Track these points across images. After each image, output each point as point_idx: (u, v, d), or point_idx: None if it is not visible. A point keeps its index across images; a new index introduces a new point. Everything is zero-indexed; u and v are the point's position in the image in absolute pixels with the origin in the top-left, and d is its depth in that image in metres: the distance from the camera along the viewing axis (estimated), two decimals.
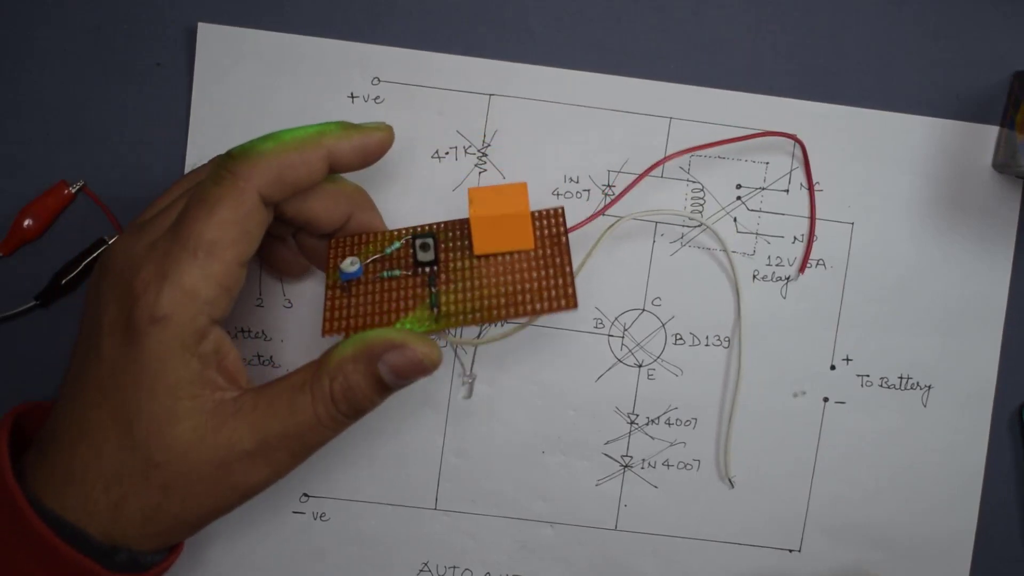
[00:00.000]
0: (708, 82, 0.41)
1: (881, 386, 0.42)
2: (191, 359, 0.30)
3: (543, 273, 0.33)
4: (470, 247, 0.34)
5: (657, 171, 0.41)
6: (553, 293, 0.32)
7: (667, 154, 0.41)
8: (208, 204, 0.30)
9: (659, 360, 0.41)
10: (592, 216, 0.37)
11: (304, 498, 0.41)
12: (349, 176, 0.36)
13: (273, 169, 0.31)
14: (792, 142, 0.41)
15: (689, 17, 0.41)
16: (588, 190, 0.41)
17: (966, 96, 0.41)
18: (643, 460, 0.42)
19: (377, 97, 0.40)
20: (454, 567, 0.42)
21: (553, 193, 0.41)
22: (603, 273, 0.41)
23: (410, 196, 0.41)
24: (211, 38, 0.40)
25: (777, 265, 0.41)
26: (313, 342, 0.41)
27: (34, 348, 0.41)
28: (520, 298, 0.32)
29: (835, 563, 0.42)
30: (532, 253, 0.34)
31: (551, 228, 0.34)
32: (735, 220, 0.41)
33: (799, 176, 0.41)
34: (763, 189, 0.41)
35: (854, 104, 0.41)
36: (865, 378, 0.42)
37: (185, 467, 0.30)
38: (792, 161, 0.41)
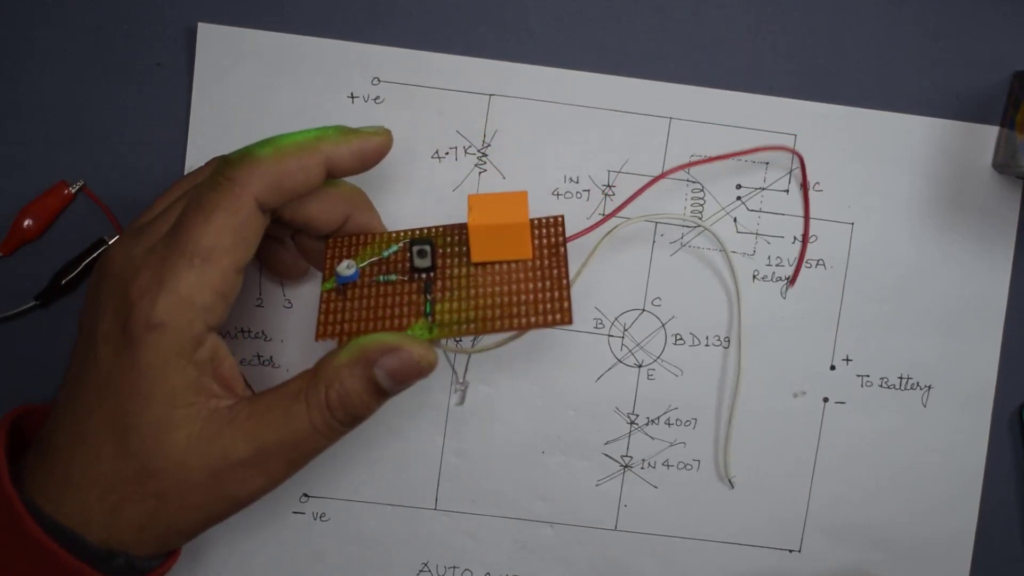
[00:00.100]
0: (708, 82, 0.41)
1: (881, 386, 0.42)
2: (187, 366, 0.30)
3: (540, 285, 0.33)
4: (467, 253, 0.33)
5: (657, 170, 0.41)
6: (549, 307, 0.32)
7: (665, 161, 0.41)
8: (205, 210, 0.30)
9: (659, 360, 0.41)
10: (590, 228, 0.36)
11: (304, 498, 0.41)
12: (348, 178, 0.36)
13: (271, 176, 0.31)
14: (792, 141, 0.41)
15: (689, 17, 0.41)
16: (588, 190, 0.41)
17: (966, 96, 0.41)
18: (643, 460, 0.42)
19: (377, 97, 0.40)
20: (454, 567, 0.42)
21: (553, 193, 0.41)
22: (603, 273, 0.41)
23: (410, 196, 0.41)
24: (211, 38, 0.40)
25: (777, 265, 0.41)
26: (313, 342, 0.41)
27: (34, 348, 0.41)
28: (515, 310, 0.32)
29: (835, 563, 0.42)
30: (530, 263, 0.33)
31: (550, 238, 0.34)
32: (735, 220, 0.41)
33: (799, 176, 0.41)
34: (763, 189, 0.41)
35: (854, 104, 0.41)
36: (865, 378, 0.42)
37: (180, 475, 0.30)
38: (792, 161, 0.41)
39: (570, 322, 0.32)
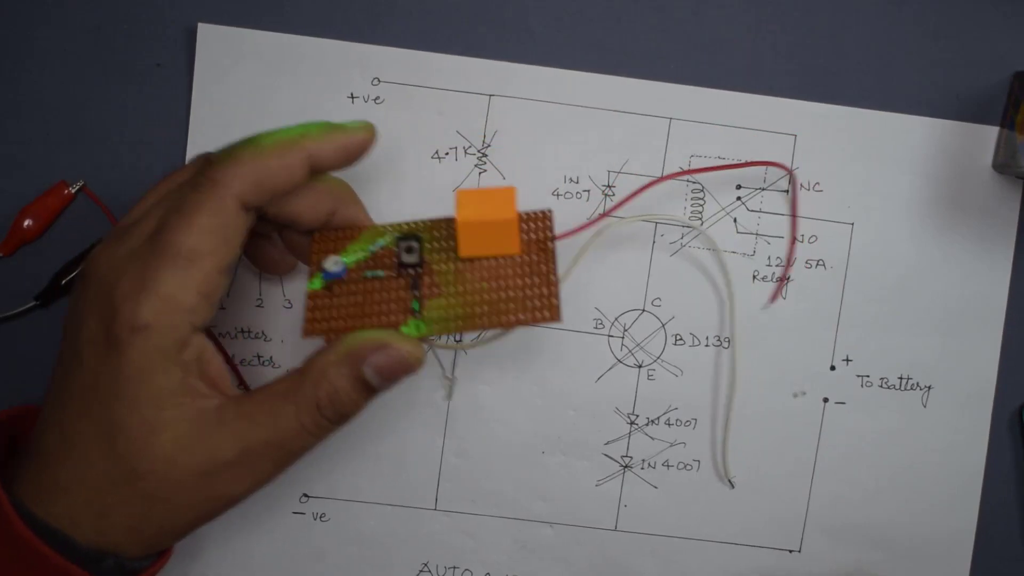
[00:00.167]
0: (708, 82, 0.41)
1: (881, 386, 0.42)
2: (173, 368, 0.30)
3: (527, 281, 0.33)
4: (455, 248, 0.33)
5: (657, 171, 0.41)
6: (537, 303, 0.32)
7: (665, 161, 0.41)
8: (187, 212, 0.30)
9: (659, 360, 0.41)
10: (581, 227, 0.36)
11: (304, 498, 0.41)
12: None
13: (253, 175, 0.31)
14: (792, 141, 0.41)
15: (689, 17, 0.41)
16: (588, 190, 0.41)
17: (966, 96, 0.41)
18: (643, 460, 0.42)
19: (377, 97, 0.40)
20: (454, 567, 0.42)
21: (553, 193, 0.41)
22: (603, 274, 0.41)
23: (410, 197, 0.41)
24: (211, 38, 0.40)
25: (777, 265, 0.41)
26: (314, 343, 0.41)
27: (34, 348, 0.41)
28: (503, 307, 0.32)
29: (835, 563, 0.42)
30: (518, 259, 0.33)
31: (539, 233, 0.34)
32: (735, 221, 0.41)
33: (799, 176, 0.41)
34: (763, 190, 0.41)
35: (854, 104, 0.41)
36: (865, 378, 0.42)
37: (168, 476, 0.30)
38: (792, 161, 0.41)
39: (558, 319, 0.32)
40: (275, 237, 0.37)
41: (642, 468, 0.42)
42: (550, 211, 0.34)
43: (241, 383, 0.40)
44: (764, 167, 0.41)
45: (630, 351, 0.41)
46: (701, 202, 0.41)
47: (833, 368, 0.42)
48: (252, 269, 0.40)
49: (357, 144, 0.33)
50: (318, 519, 0.41)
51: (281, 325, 0.41)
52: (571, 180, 0.41)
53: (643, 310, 0.41)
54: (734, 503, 0.42)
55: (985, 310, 0.42)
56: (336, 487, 0.41)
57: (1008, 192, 0.41)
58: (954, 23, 0.41)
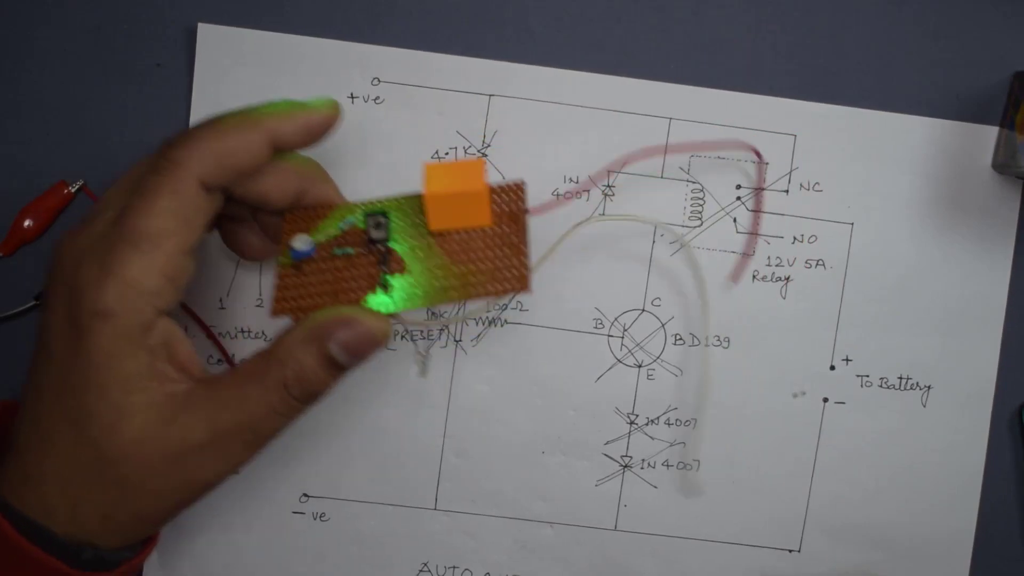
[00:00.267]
0: (708, 82, 0.41)
1: (881, 386, 0.42)
2: (139, 352, 0.30)
3: (498, 253, 0.32)
4: (426, 224, 0.33)
5: (657, 171, 0.41)
6: (507, 275, 0.31)
7: (665, 161, 0.41)
8: (147, 194, 0.30)
9: (659, 360, 0.41)
10: (554, 203, 0.35)
11: (304, 498, 0.41)
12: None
13: (212, 155, 0.30)
14: (792, 141, 0.41)
15: (689, 17, 0.41)
16: (588, 190, 0.41)
17: (966, 96, 0.41)
18: (643, 460, 0.42)
19: (377, 97, 0.40)
20: (454, 567, 0.42)
21: (553, 193, 0.41)
22: (603, 273, 0.41)
23: None
24: (211, 38, 0.40)
25: (777, 265, 0.41)
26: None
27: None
28: (472, 279, 0.32)
29: (835, 563, 0.42)
30: (489, 231, 0.32)
31: (511, 204, 0.33)
32: (735, 220, 0.41)
33: (799, 176, 0.41)
34: (763, 190, 0.41)
35: (854, 104, 0.41)
36: (865, 378, 0.42)
37: (138, 462, 0.30)
38: (792, 161, 0.41)
39: (527, 289, 0.31)
40: (252, 221, 0.36)
41: (642, 468, 0.42)
42: (523, 182, 0.33)
43: (227, 360, 0.40)
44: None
45: (630, 351, 0.41)
46: (701, 202, 0.41)
47: (833, 368, 0.42)
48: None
49: (320, 122, 0.33)
50: (318, 519, 0.41)
51: (281, 325, 0.41)
52: (571, 180, 0.41)
53: (643, 310, 0.41)
54: (734, 503, 0.42)
55: (985, 310, 0.42)
56: (336, 487, 0.41)
57: (1008, 192, 0.41)
58: (954, 23, 0.41)
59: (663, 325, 0.41)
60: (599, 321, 0.41)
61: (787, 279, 0.41)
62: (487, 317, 0.41)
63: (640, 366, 0.41)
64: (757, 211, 0.40)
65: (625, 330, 0.41)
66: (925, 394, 0.42)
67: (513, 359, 0.41)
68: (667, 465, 0.42)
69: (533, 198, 0.41)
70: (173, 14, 0.40)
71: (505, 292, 0.31)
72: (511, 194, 0.33)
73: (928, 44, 0.41)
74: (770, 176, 0.41)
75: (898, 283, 0.41)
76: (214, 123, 0.31)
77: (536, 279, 0.41)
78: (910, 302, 0.41)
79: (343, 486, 0.41)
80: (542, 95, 0.41)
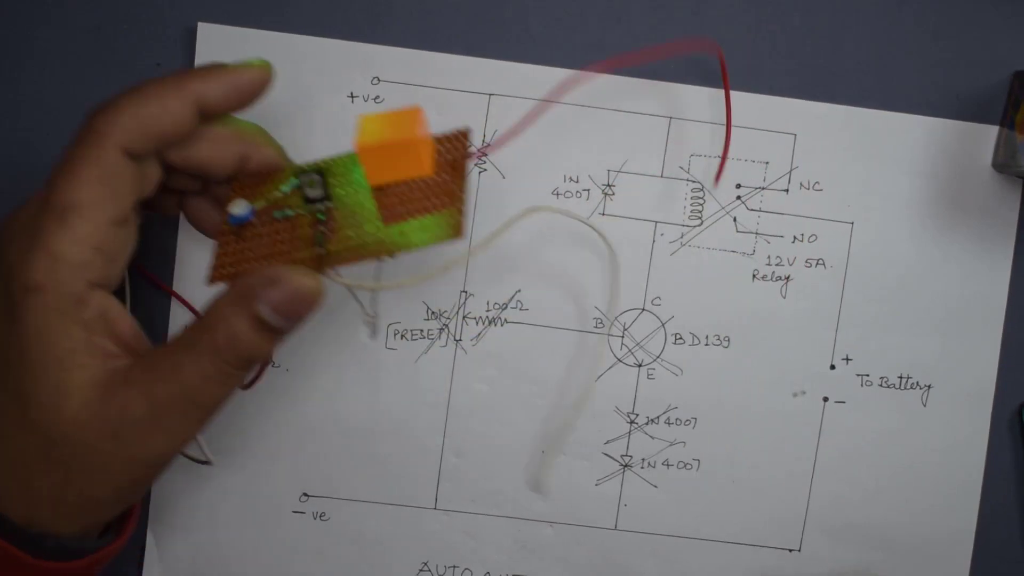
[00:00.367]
0: (708, 82, 0.41)
1: (881, 386, 0.42)
2: (73, 328, 0.29)
3: (435, 202, 0.31)
4: (367, 179, 0.31)
5: (657, 170, 0.41)
6: (440, 222, 0.30)
7: (665, 161, 0.41)
8: (69, 165, 0.29)
9: (659, 360, 0.41)
10: (502, 139, 0.34)
11: (304, 498, 0.41)
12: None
13: (134, 121, 0.29)
14: (792, 140, 0.41)
15: (689, 17, 0.41)
16: (588, 190, 0.41)
17: (966, 96, 0.41)
18: (643, 460, 0.42)
19: (377, 97, 0.40)
20: (454, 567, 0.42)
21: (553, 193, 0.41)
22: (603, 273, 0.41)
23: None
24: (211, 38, 0.40)
25: (777, 265, 0.41)
26: (315, 343, 0.41)
27: None
28: (408, 229, 0.31)
29: (835, 563, 0.42)
30: (430, 181, 0.31)
31: (454, 153, 0.32)
32: (735, 220, 0.41)
33: (799, 176, 0.41)
34: (763, 189, 0.41)
35: (854, 104, 0.41)
36: (865, 378, 0.42)
37: (80, 441, 0.29)
38: (792, 161, 0.41)
39: (460, 236, 0.30)
40: (209, 196, 0.35)
41: (642, 467, 0.42)
42: (468, 129, 0.33)
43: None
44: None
45: (630, 350, 0.41)
46: (701, 201, 0.41)
47: (833, 367, 0.42)
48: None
49: (248, 83, 0.31)
50: (318, 519, 0.41)
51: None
52: (571, 179, 0.41)
53: (643, 309, 0.41)
54: (734, 503, 0.42)
55: (985, 310, 0.42)
56: (336, 487, 0.41)
57: (1008, 192, 0.41)
58: (954, 23, 0.41)
59: (663, 324, 0.41)
60: (599, 321, 0.41)
61: (787, 278, 0.41)
62: (487, 317, 0.41)
63: (640, 365, 0.41)
64: (728, 118, 0.40)
65: (625, 329, 0.41)
66: (925, 394, 0.42)
67: (513, 359, 0.41)
68: (667, 465, 0.42)
69: (533, 197, 0.41)
70: (173, 14, 0.40)
71: (438, 240, 0.30)
72: (455, 142, 0.32)
73: (928, 44, 0.41)
74: (770, 176, 0.41)
75: (898, 283, 0.41)
76: (137, 88, 0.30)
77: (536, 278, 0.41)
78: (910, 302, 0.41)
79: (343, 486, 0.41)
80: (542, 95, 0.41)
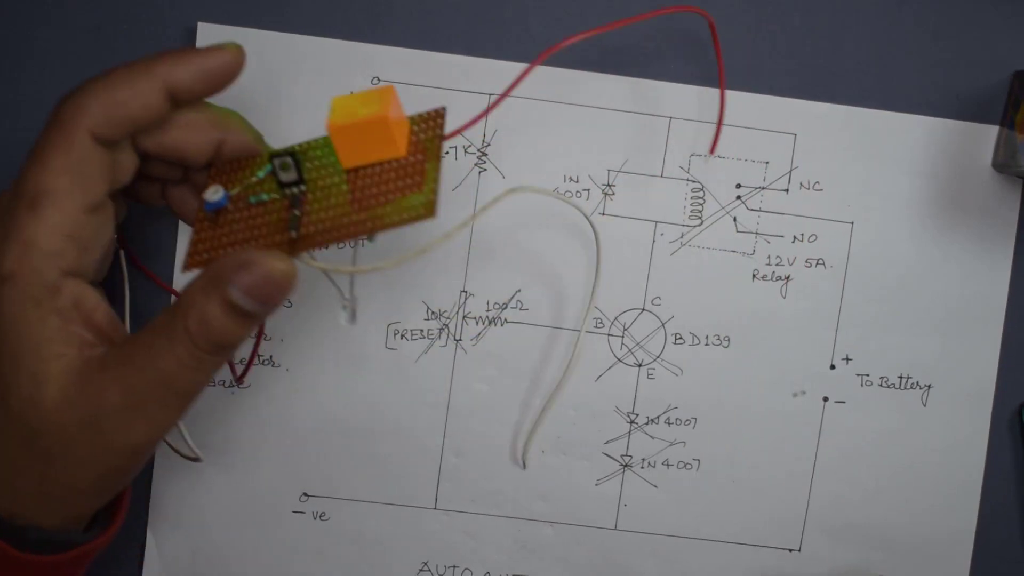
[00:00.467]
0: (709, 82, 0.41)
1: (881, 386, 0.42)
2: (48, 316, 0.29)
3: (408, 182, 0.31)
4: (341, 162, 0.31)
5: (657, 170, 0.41)
6: (413, 202, 0.30)
7: (665, 161, 0.41)
8: (40, 154, 0.29)
9: (659, 360, 0.41)
10: (472, 121, 0.33)
11: (304, 498, 0.41)
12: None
13: (102, 107, 0.29)
14: (792, 140, 0.41)
15: (689, 17, 0.41)
16: (588, 190, 0.41)
17: (966, 96, 0.41)
18: (643, 460, 0.42)
19: None
20: (454, 567, 0.42)
21: (553, 192, 0.41)
22: (603, 272, 0.41)
23: None
24: (211, 38, 0.40)
25: (777, 265, 0.41)
26: (315, 343, 0.41)
27: None
28: (380, 211, 0.30)
29: (835, 563, 0.42)
30: (404, 161, 0.31)
31: (428, 132, 0.32)
32: (735, 220, 0.41)
33: (799, 176, 0.41)
34: (763, 189, 0.41)
35: (854, 104, 0.41)
36: (865, 378, 0.42)
37: (58, 431, 0.29)
38: (792, 161, 0.41)
39: (433, 215, 0.30)
40: (187, 183, 0.35)
41: (642, 467, 0.42)
42: (443, 109, 0.32)
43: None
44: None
45: (630, 350, 0.41)
46: (701, 201, 0.41)
47: (833, 367, 0.42)
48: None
49: (218, 66, 0.31)
50: (318, 519, 0.41)
51: (281, 325, 0.41)
52: (571, 179, 0.41)
53: (643, 309, 0.41)
54: (734, 503, 0.42)
55: (985, 310, 0.42)
56: (336, 487, 0.41)
57: (1008, 192, 0.41)
58: (954, 23, 0.41)
59: (663, 324, 0.41)
60: (599, 320, 0.41)
61: (787, 278, 0.41)
62: (487, 316, 0.41)
63: (640, 365, 0.41)
64: (721, 83, 0.40)
65: (625, 329, 0.41)
66: (925, 393, 0.42)
67: (513, 359, 0.41)
68: (667, 464, 0.42)
69: (533, 197, 0.41)
70: (173, 14, 0.40)
71: (411, 220, 0.30)
72: (431, 122, 0.32)
73: (928, 44, 0.41)
74: (770, 175, 0.41)
75: (898, 283, 0.41)
76: (105, 73, 0.30)
77: (536, 278, 0.41)
78: (910, 302, 0.41)
79: (343, 486, 0.41)
80: (542, 95, 0.41)
